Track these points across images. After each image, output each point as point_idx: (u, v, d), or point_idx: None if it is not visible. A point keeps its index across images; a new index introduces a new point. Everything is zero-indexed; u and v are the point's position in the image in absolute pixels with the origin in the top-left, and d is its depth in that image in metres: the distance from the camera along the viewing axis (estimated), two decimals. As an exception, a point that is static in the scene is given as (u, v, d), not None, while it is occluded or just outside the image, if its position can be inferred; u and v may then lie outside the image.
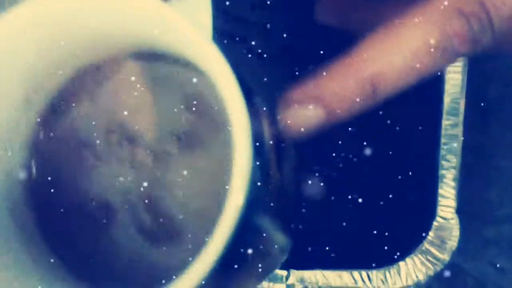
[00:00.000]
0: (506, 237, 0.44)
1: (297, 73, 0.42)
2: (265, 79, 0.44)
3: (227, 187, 0.19)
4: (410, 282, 0.38)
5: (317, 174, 0.42)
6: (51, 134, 0.26)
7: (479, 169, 0.43)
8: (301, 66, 0.43)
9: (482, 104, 0.42)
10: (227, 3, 0.43)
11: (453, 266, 0.44)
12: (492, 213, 0.44)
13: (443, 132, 0.40)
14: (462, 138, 0.39)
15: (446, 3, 0.23)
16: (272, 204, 0.23)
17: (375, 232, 0.41)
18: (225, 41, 0.44)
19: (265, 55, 0.46)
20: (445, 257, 0.39)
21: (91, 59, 0.25)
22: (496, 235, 0.44)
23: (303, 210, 0.42)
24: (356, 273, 0.39)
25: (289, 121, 0.24)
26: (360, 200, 0.41)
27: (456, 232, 0.39)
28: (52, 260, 0.26)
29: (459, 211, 0.39)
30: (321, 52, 0.42)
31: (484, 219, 0.44)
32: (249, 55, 0.45)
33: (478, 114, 0.43)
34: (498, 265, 0.44)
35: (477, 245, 0.45)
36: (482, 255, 0.44)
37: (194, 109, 0.25)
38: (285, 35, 0.44)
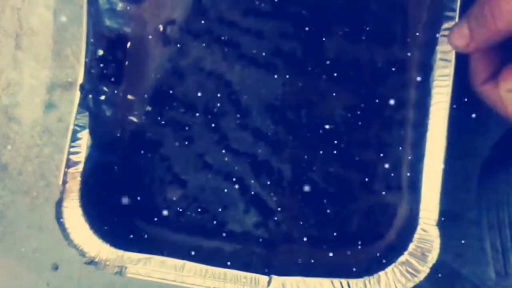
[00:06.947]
0: (502, 243, 0.42)
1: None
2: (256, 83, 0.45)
3: None
4: (388, 293, 0.39)
5: (299, 182, 0.42)
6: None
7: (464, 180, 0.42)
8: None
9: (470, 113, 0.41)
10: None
11: (451, 270, 0.44)
12: (486, 218, 0.42)
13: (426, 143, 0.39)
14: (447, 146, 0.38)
15: None
16: None
17: (357, 241, 0.41)
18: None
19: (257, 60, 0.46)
20: (425, 269, 0.38)
21: None
22: (493, 240, 0.43)
23: (287, 218, 0.43)
24: (336, 281, 0.40)
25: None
26: (343, 209, 0.41)
27: (436, 245, 0.38)
28: None
29: (457, 215, 0.38)
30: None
31: (480, 224, 0.43)
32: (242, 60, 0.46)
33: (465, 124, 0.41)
34: (494, 270, 0.43)
35: (474, 250, 0.44)
36: (479, 261, 0.43)
37: None
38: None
